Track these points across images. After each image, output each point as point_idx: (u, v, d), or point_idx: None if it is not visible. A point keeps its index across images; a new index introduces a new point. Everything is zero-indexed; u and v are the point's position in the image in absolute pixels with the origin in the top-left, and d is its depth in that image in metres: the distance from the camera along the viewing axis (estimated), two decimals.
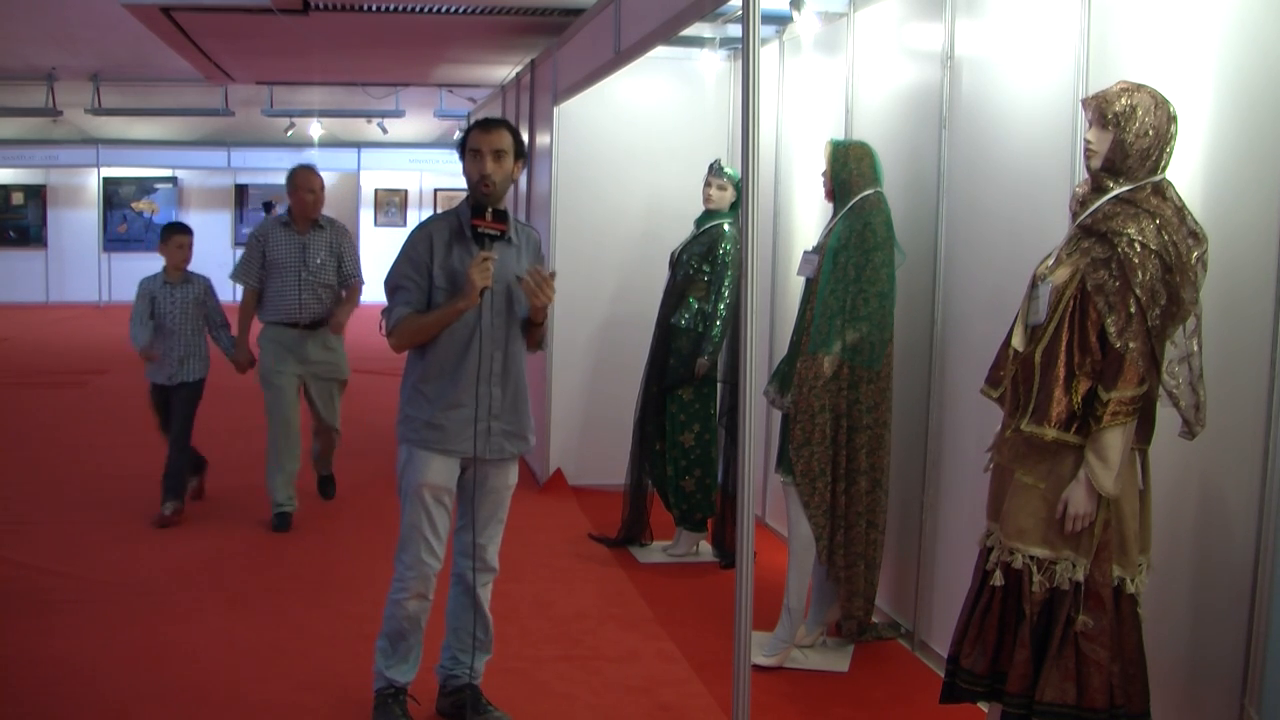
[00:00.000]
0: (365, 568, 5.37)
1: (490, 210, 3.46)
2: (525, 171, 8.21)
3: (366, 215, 19.42)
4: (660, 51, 5.82)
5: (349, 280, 6.09)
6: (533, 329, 3.62)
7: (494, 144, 3.50)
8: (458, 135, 16.99)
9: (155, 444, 6.38)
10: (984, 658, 3.01)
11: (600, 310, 6.91)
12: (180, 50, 9.14)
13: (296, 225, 5.92)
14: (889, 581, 4.62)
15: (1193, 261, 2.77)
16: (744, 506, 3.02)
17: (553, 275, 3.48)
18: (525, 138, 8.22)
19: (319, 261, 5.90)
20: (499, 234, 3.48)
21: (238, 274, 5.99)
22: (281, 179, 20.71)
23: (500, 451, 3.60)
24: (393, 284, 3.58)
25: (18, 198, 18.61)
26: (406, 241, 3.61)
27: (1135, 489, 2.89)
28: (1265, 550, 2.82)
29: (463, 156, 3.57)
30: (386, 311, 3.57)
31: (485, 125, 3.54)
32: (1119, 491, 2.81)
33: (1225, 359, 2.94)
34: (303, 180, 5.97)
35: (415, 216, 19.38)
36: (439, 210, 19.37)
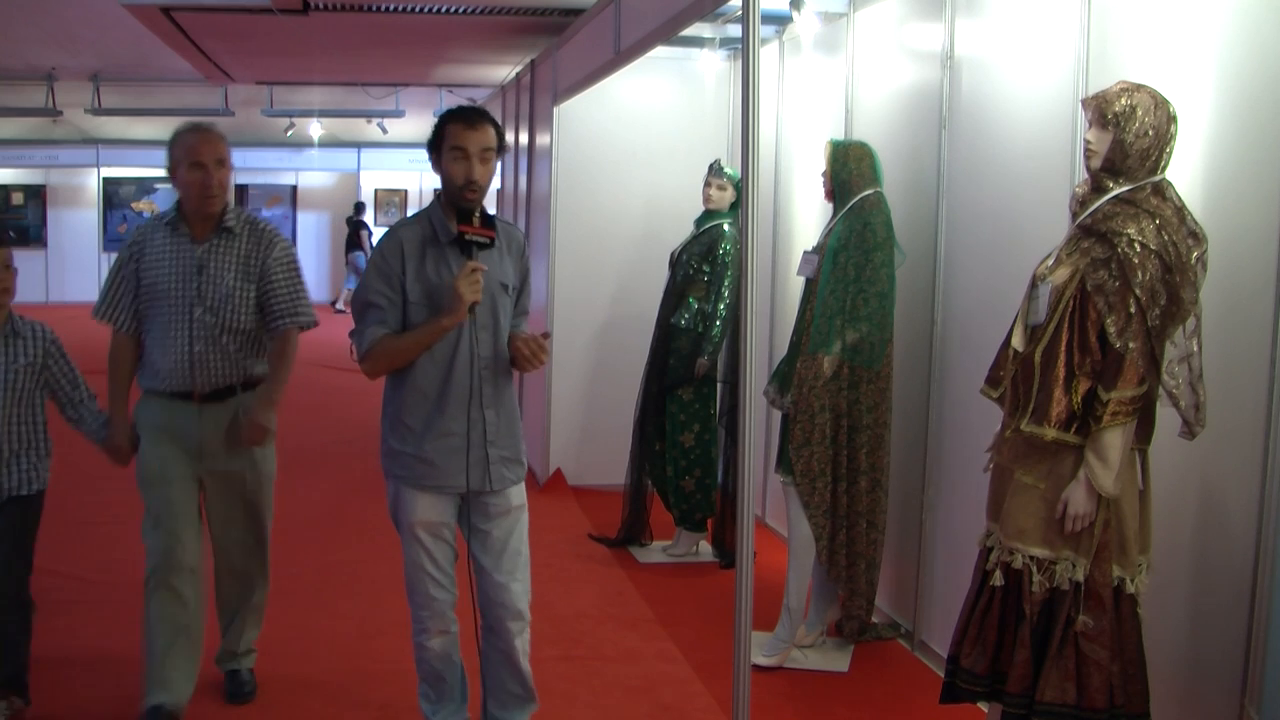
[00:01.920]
0: (365, 569, 5.38)
1: (478, 214, 3.12)
2: (525, 171, 8.25)
3: (367, 215, 19.41)
4: (660, 51, 5.82)
5: (277, 323, 3.69)
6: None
7: (481, 142, 3.10)
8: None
9: None
10: (984, 658, 3.01)
11: (600, 310, 6.91)
12: (180, 50, 9.14)
13: (189, 227, 3.61)
14: (889, 581, 4.62)
15: (1193, 261, 2.77)
16: (744, 506, 3.02)
17: (547, 336, 3.24)
18: (525, 138, 8.27)
19: (225, 290, 3.59)
20: (489, 242, 3.13)
21: (100, 310, 3.79)
22: (282, 179, 20.75)
23: (501, 482, 3.25)
24: (363, 301, 3.17)
25: (18, 198, 18.63)
26: (374, 252, 3.20)
27: (1135, 489, 2.89)
28: (1265, 550, 2.82)
29: (436, 152, 3.15)
30: (356, 334, 3.18)
31: (469, 120, 3.11)
32: (1119, 491, 2.81)
33: (1225, 359, 2.94)
34: (190, 148, 3.56)
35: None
36: None
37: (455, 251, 3.14)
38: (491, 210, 3.30)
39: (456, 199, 3.13)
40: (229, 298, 3.60)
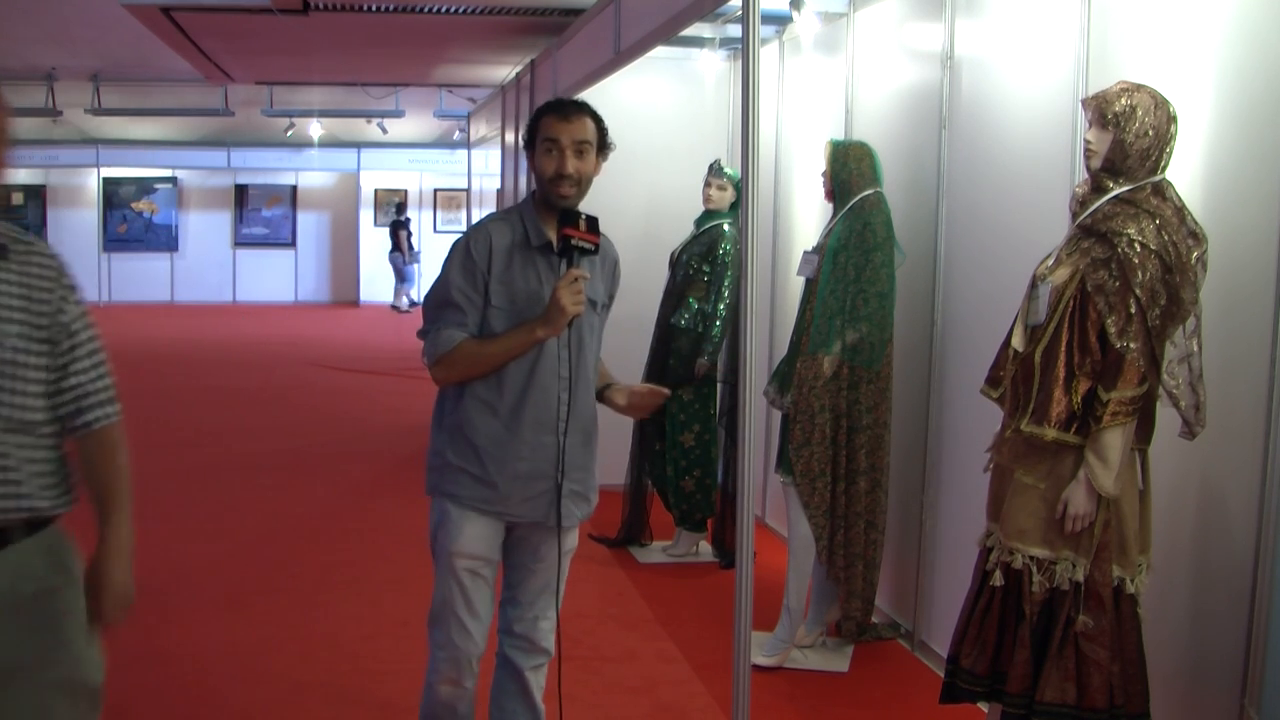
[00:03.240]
0: (365, 569, 5.38)
1: (584, 217, 2.81)
2: (526, 171, 8.22)
3: (366, 215, 19.43)
4: (660, 51, 5.82)
5: (95, 415, 2.22)
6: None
7: (576, 134, 2.82)
8: (459, 127, 16.62)
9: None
10: (984, 658, 3.01)
11: None
12: (180, 50, 9.14)
13: None
14: (889, 581, 4.62)
15: (1193, 262, 2.77)
16: (744, 506, 3.02)
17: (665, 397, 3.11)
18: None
19: (4, 353, 2.09)
20: (593, 249, 2.81)
21: None
22: (282, 179, 20.83)
23: (570, 518, 2.93)
24: (442, 299, 2.83)
25: (18, 198, 18.62)
26: (458, 247, 2.87)
27: (1135, 489, 2.89)
28: (1265, 550, 2.82)
29: (530, 148, 2.89)
30: (430, 334, 2.85)
31: (563, 111, 2.86)
32: (1119, 492, 2.81)
33: (1225, 359, 2.94)
34: None
35: (415, 217, 19.36)
36: (438, 211, 19.60)
37: (546, 257, 2.85)
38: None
39: (548, 194, 2.86)
40: (10, 367, 2.10)
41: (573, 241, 2.77)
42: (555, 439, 2.86)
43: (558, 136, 2.82)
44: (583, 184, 2.87)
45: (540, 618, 3.01)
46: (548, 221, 2.90)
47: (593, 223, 2.82)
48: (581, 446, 2.95)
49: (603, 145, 2.91)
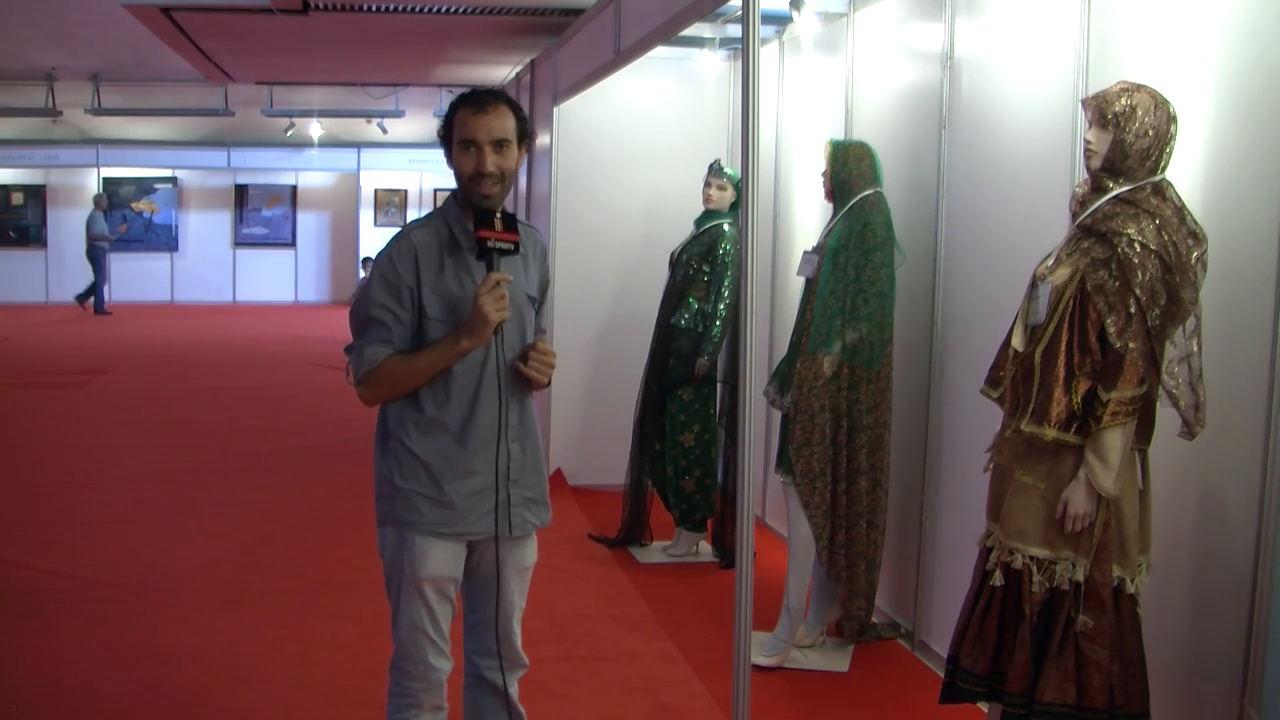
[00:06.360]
0: (365, 569, 5.37)
1: (499, 215, 2.66)
2: (525, 171, 8.23)
3: (366, 215, 19.43)
4: (660, 51, 5.82)
5: None
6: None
7: (493, 131, 2.66)
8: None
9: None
10: (984, 658, 3.01)
11: (600, 311, 6.91)
12: (180, 50, 9.15)
13: None
14: (889, 581, 4.62)
15: (1192, 262, 2.77)
16: (744, 506, 3.02)
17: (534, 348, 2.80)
18: None
19: None
20: (513, 248, 2.67)
21: None
22: (282, 179, 20.94)
23: (523, 526, 2.84)
24: (363, 316, 2.72)
25: (18, 198, 18.62)
26: (380, 259, 2.74)
27: (1135, 489, 2.89)
28: (1265, 550, 2.82)
29: (447, 146, 2.74)
30: (354, 351, 2.74)
31: (479, 104, 2.67)
32: (1119, 492, 2.81)
33: (1225, 359, 2.94)
34: None
35: (415, 217, 19.38)
36: None
37: (476, 259, 2.70)
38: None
39: (470, 195, 2.70)
40: None
41: (489, 243, 2.63)
42: (506, 447, 2.75)
43: (474, 136, 2.66)
44: (505, 180, 2.71)
45: (514, 634, 2.95)
46: (474, 221, 2.74)
47: (509, 220, 2.67)
48: (533, 451, 2.85)
49: (524, 136, 2.74)
